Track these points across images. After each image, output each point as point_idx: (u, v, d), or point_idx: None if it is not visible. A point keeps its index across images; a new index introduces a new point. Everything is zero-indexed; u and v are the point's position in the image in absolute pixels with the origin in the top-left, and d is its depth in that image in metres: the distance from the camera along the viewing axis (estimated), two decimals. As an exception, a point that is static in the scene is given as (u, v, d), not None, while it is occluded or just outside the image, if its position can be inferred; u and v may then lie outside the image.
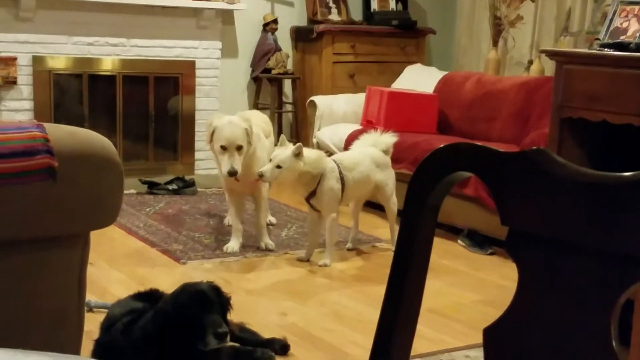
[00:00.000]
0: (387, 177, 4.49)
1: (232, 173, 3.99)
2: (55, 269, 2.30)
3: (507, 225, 0.89)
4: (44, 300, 2.32)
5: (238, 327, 2.98)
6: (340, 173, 4.19)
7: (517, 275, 0.92)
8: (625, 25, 2.95)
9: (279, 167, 3.97)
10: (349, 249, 4.50)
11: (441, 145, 0.96)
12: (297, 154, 4.01)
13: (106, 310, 3.01)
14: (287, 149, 4.02)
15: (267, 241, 4.36)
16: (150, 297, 2.88)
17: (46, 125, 2.14)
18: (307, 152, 4.12)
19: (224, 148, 4.03)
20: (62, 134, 2.16)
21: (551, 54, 3.12)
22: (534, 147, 0.87)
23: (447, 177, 0.91)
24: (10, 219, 2.07)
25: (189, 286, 2.63)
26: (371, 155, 4.42)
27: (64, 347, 2.38)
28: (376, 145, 4.47)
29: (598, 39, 2.94)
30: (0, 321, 2.20)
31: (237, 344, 2.94)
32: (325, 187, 4.11)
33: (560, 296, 0.82)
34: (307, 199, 4.17)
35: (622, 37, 2.92)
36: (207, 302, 2.57)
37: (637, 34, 2.88)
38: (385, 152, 4.51)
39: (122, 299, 2.91)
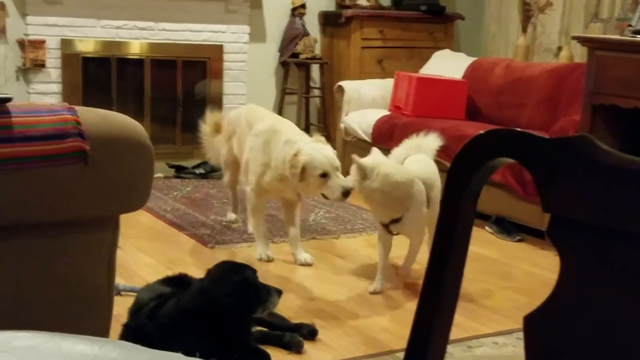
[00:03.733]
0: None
1: (348, 192, 3.57)
2: (85, 251, 2.32)
3: (550, 212, 0.87)
4: (75, 283, 2.33)
5: (266, 312, 2.98)
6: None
7: (560, 263, 0.90)
8: (659, 11, 2.90)
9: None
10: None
11: (482, 131, 0.94)
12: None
13: (134, 294, 3.03)
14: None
15: (305, 256, 3.94)
16: (178, 281, 2.89)
17: (77, 108, 2.15)
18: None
19: (324, 176, 3.60)
20: (94, 117, 2.16)
21: (583, 40, 3.09)
22: (579, 134, 0.85)
23: (488, 162, 0.90)
24: (42, 202, 2.08)
25: (226, 262, 2.84)
26: (434, 166, 3.86)
27: (93, 329, 2.39)
28: (422, 150, 3.86)
29: (630, 25, 2.90)
30: (32, 302, 2.22)
31: (265, 329, 2.96)
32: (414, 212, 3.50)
33: (608, 284, 0.81)
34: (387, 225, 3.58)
35: (656, 24, 2.88)
36: (249, 270, 2.71)
37: (672, 20, 2.83)
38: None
39: (151, 284, 2.93)
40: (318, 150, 3.64)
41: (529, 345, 0.85)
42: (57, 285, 2.30)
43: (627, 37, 2.79)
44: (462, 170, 0.91)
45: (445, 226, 0.92)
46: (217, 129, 4.56)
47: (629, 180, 0.80)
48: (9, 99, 1.99)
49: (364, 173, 3.41)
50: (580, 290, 0.85)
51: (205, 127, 4.67)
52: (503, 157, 0.91)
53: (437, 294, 0.91)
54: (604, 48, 2.81)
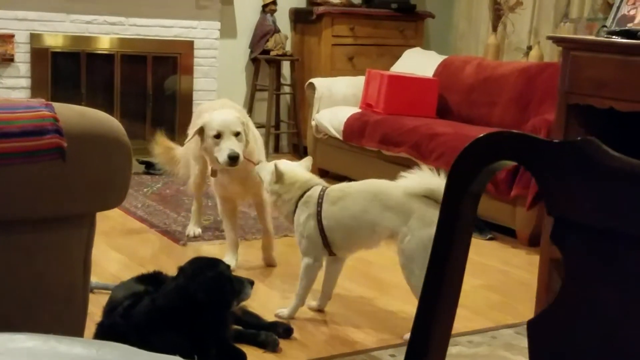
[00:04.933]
0: None
1: (234, 157, 3.42)
2: (61, 249, 2.28)
3: (554, 214, 0.87)
4: (50, 280, 2.30)
5: (241, 310, 2.97)
6: None
7: (564, 266, 0.90)
8: (632, 12, 2.94)
9: None
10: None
11: (484, 134, 0.94)
12: None
13: (107, 292, 3.00)
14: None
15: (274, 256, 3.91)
16: (153, 279, 2.87)
17: (55, 105, 2.11)
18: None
19: (217, 136, 3.48)
20: (71, 113, 2.13)
21: (558, 41, 3.11)
22: (584, 137, 0.85)
23: (489, 165, 0.89)
24: (19, 198, 2.05)
25: (199, 258, 2.81)
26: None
27: (69, 327, 2.36)
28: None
29: (605, 26, 2.93)
30: (8, 300, 2.18)
31: (240, 327, 2.94)
32: None
33: (613, 288, 0.81)
34: None
35: (629, 25, 2.92)
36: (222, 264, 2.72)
37: (646, 22, 2.87)
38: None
39: (125, 281, 2.90)
40: (219, 114, 3.56)
41: (533, 349, 0.85)
42: (32, 283, 2.26)
43: (602, 38, 2.82)
44: (463, 172, 0.90)
45: (446, 228, 0.91)
46: (168, 152, 4.46)
47: (634, 183, 0.80)
48: (-15, 95, 1.95)
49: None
50: (584, 293, 0.85)
51: (157, 148, 4.48)
52: (505, 160, 0.90)
53: (436, 297, 0.91)
54: (579, 48, 2.83)
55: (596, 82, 2.77)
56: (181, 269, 2.64)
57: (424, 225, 2.86)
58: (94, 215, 2.31)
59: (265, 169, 3.28)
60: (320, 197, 3.12)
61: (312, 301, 3.29)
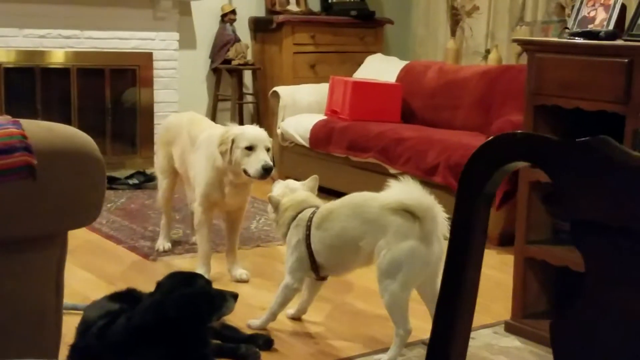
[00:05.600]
0: None
1: (269, 168, 3.44)
2: (32, 270, 2.21)
3: (571, 215, 0.85)
4: (21, 303, 2.22)
5: (219, 323, 2.91)
6: None
7: (584, 266, 0.87)
8: (592, 14, 2.98)
9: None
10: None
11: (497, 135, 0.91)
12: None
13: (76, 312, 2.92)
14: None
15: (240, 272, 3.81)
16: (127, 297, 2.79)
17: (22, 121, 2.05)
18: None
19: (249, 149, 3.47)
20: (39, 130, 2.06)
21: (523, 43, 3.15)
22: (599, 136, 0.83)
23: (503, 167, 0.87)
24: (-11, 220, 1.98)
25: (177, 273, 2.74)
26: None
27: (42, 350, 2.29)
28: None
29: (567, 28, 2.96)
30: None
31: (219, 341, 2.88)
32: None
33: (634, 287, 0.79)
34: None
35: (590, 26, 2.96)
36: (202, 279, 2.66)
37: (605, 23, 2.91)
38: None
39: (98, 300, 2.81)
40: (249, 127, 3.64)
41: (557, 351, 0.82)
42: (2, 307, 2.19)
43: (566, 40, 2.85)
44: (476, 174, 0.88)
45: (461, 231, 0.88)
46: None
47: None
48: (-50, 113, 1.88)
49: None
50: (606, 294, 0.82)
51: None
52: (518, 160, 0.88)
53: (455, 299, 0.88)
54: (544, 50, 2.87)
55: (562, 83, 2.80)
56: (159, 284, 2.58)
57: (399, 240, 2.82)
58: (65, 235, 2.25)
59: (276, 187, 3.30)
60: (310, 220, 3.06)
61: (289, 309, 3.26)
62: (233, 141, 3.49)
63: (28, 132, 2.00)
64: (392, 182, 2.87)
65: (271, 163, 3.48)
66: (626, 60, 2.67)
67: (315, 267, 3.07)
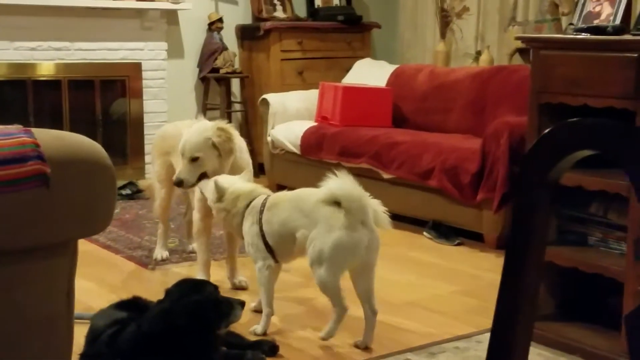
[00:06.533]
0: None
1: (176, 182, 3.47)
2: (44, 278, 2.20)
3: None
4: (32, 313, 2.21)
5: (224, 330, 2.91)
6: None
7: None
8: (597, 9, 2.98)
9: None
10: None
11: (561, 123, 0.91)
12: None
13: (82, 321, 2.90)
14: None
15: (241, 278, 3.79)
16: (133, 305, 2.79)
17: (33, 130, 2.04)
18: None
19: (182, 155, 3.48)
20: (51, 138, 2.06)
21: (528, 41, 3.13)
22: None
23: (567, 156, 0.86)
24: (4, 229, 1.96)
25: (185, 280, 2.73)
26: None
27: (54, 359, 2.28)
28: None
29: (572, 24, 2.96)
30: (-11, 335, 2.10)
31: (224, 348, 2.88)
32: None
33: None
34: None
35: (595, 21, 2.95)
36: (210, 286, 2.67)
37: (611, 18, 2.91)
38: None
39: (104, 309, 2.81)
40: (191, 130, 3.52)
41: (632, 343, 0.82)
42: (14, 317, 2.17)
43: (571, 36, 2.84)
44: (538, 165, 0.87)
45: (522, 220, 0.88)
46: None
47: None
48: (-36, 123, 1.87)
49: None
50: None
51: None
52: (584, 149, 0.87)
53: (516, 291, 0.88)
54: (549, 47, 2.85)
55: (568, 80, 2.79)
56: (167, 292, 2.58)
57: (326, 232, 2.95)
58: (76, 243, 2.24)
59: (208, 187, 3.33)
60: (263, 204, 3.19)
61: (251, 302, 3.36)
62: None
63: (39, 141, 1.99)
64: (329, 176, 3.00)
65: (181, 177, 3.44)
66: (635, 55, 2.64)
67: (269, 249, 3.18)
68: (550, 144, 0.87)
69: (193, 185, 3.49)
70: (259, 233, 3.16)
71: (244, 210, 3.22)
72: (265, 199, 3.21)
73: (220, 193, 3.23)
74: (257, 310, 3.36)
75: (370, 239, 2.96)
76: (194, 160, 3.43)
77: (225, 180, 3.31)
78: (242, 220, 3.22)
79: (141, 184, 4.70)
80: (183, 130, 3.74)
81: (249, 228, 3.20)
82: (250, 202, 3.23)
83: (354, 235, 2.92)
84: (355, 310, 3.43)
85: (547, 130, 0.89)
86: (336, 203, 2.96)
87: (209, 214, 3.69)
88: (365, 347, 3.04)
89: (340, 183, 2.95)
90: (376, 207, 3.03)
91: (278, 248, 3.18)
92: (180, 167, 3.49)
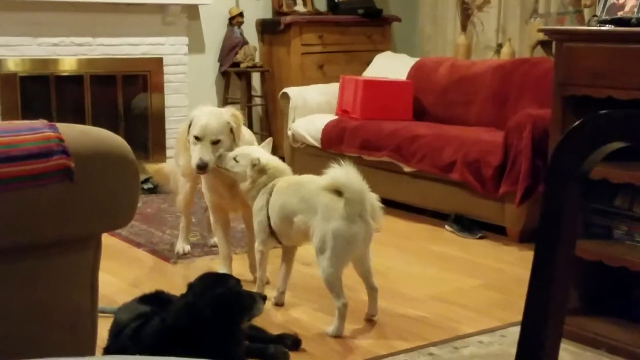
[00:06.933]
0: None
1: (201, 166, 3.37)
2: (68, 272, 2.21)
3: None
4: (57, 307, 2.23)
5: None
6: None
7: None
8: (621, 1, 2.94)
9: None
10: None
11: (592, 114, 0.89)
12: None
13: (105, 315, 2.92)
14: None
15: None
16: (156, 299, 2.80)
17: (57, 125, 2.05)
18: None
19: (197, 139, 3.41)
20: (75, 133, 2.07)
21: (551, 33, 3.11)
22: None
23: (598, 148, 0.85)
24: (26, 224, 1.98)
25: (208, 274, 2.75)
26: None
27: (78, 353, 2.29)
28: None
29: (596, 16, 2.93)
30: (14, 328, 2.11)
31: (246, 342, 2.88)
32: None
33: None
34: None
35: (619, 13, 2.92)
36: (233, 279, 2.67)
37: (635, 9, 2.87)
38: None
39: (128, 303, 2.82)
40: (207, 114, 3.47)
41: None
42: (38, 311, 2.19)
43: (595, 28, 2.81)
44: (568, 157, 0.86)
45: (552, 213, 0.87)
46: (162, 176, 4.43)
47: None
48: (-11, 118, 1.88)
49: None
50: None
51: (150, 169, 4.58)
52: (616, 141, 0.85)
53: (547, 285, 0.87)
54: (573, 39, 2.82)
55: (592, 72, 2.76)
56: (190, 286, 2.58)
57: (325, 221, 3.01)
58: (100, 237, 2.25)
59: (244, 154, 3.38)
60: (272, 188, 3.31)
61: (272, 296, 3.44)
62: (190, 125, 3.47)
63: (64, 136, 2.00)
64: (332, 166, 3.05)
65: (205, 160, 3.38)
66: (661, 46, 2.60)
67: (272, 231, 3.30)
68: (581, 135, 0.85)
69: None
70: (266, 215, 3.28)
71: (262, 187, 3.32)
72: (275, 183, 3.31)
73: (255, 163, 3.31)
74: (278, 304, 3.42)
75: (366, 232, 3.04)
76: (214, 143, 3.43)
77: (264, 154, 3.42)
78: (256, 195, 3.34)
79: (149, 168, 4.62)
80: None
81: (258, 209, 3.32)
82: (270, 182, 3.32)
83: (352, 227, 2.98)
84: (379, 301, 3.44)
85: (577, 122, 0.87)
86: (336, 192, 3.01)
87: (218, 208, 3.69)
88: (372, 317, 3.23)
89: (343, 172, 3.00)
90: (373, 201, 3.09)
91: (279, 230, 3.29)
92: (197, 151, 3.41)
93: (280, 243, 3.40)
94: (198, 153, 3.39)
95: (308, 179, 3.25)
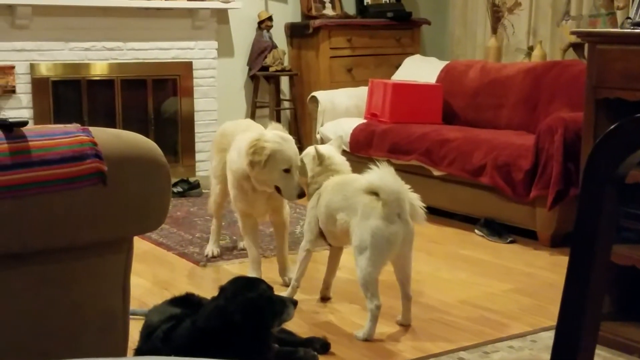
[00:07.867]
0: None
1: (303, 194, 3.43)
2: (100, 274, 2.24)
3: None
4: (90, 309, 2.25)
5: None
6: None
7: None
8: (655, 3, 2.92)
9: None
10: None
11: (628, 117, 0.89)
12: None
13: (136, 317, 2.94)
14: None
15: (291, 275, 3.67)
16: (187, 301, 2.81)
17: (91, 128, 2.07)
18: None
19: (287, 171, 3.40)
20: (108, 136, 2.09)
21: (584, 35, 3.08)
22: None
23: (636, 152, 0.84)
24: (60, 226, 2.00)
25: (239, 277, 2.76)
26: None
27: (110, 355, 2.31)
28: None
29: (629, 18, 2.90)
30: (49, 328, 2.13)
31: (276, 345, 2.89)
32: None
33: None
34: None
35: (654, 15, 2.89)
36: (264, 284, 2.67)
37: (669, 11, 2.85)
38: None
39: (159, 305, 2.84)
40: (285, 142, 3.44)
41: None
42: (72, 312, 2.21)
43: (629, 30, 2.79)
44: (604, 160, 0.86)
45: (589, 217, 0.87)
46: None
47: None
48: (25, 123, 1.91)
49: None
50: None
51: None
52: None
53: (583, 289, 0.86)
54: (606, 41, 2.80)
55: (626, 75, 2.74)
56: (222, 289, 2.59)
57: (364, 220, 3.04)
58: (132, 240, 2.26)
59: (309, 154, 3.48)
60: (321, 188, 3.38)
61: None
62: (269, 157, 3.38)
63: (97, 139, 2.02)
64: (372, 167, 3.11)
65: (302, 187, 3.43)
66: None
67: (320, 231, 3.35)
68: (617, 139, 0.85)
69: None
70: (316, 215, 3.34)
71: (318, 188, 3.36)
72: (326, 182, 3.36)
73: (321, 159, 3.38)
74: (324, 299, 3.55)
75: (406, 232, 3.05)
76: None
77: (325, 148, 3.50)
78: (312, 194, 3.39)
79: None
80: (240, 128, 3.76)
81: (309, 209, 3.40)
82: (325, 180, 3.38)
83: (391, 227, 3.01)
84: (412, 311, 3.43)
85: (613, 125, 0.87)
86: (375, 193, 3.05)
87: (246, 213, 3.70)
88: (403, 324, 3.22)
89: (380, 175, 3.04)
90: (414, 201, 3.12)
91: (325, 229, 3.33)
92: (293, 182, 3.41)
93: (329, 244, 3.46)
94: (296, 184, 3.40)
95: (353, 177, 3.31)
